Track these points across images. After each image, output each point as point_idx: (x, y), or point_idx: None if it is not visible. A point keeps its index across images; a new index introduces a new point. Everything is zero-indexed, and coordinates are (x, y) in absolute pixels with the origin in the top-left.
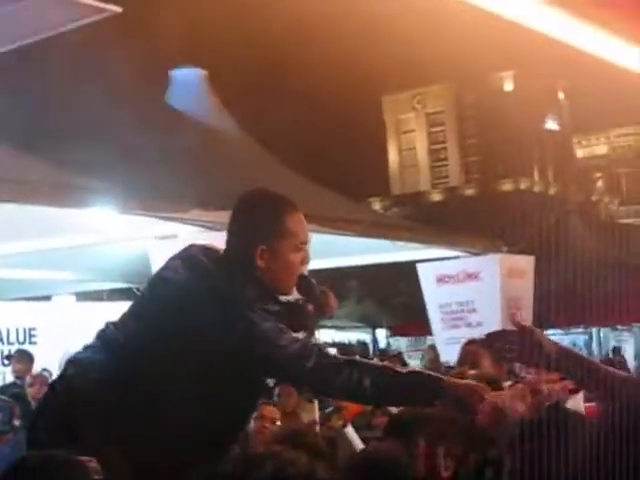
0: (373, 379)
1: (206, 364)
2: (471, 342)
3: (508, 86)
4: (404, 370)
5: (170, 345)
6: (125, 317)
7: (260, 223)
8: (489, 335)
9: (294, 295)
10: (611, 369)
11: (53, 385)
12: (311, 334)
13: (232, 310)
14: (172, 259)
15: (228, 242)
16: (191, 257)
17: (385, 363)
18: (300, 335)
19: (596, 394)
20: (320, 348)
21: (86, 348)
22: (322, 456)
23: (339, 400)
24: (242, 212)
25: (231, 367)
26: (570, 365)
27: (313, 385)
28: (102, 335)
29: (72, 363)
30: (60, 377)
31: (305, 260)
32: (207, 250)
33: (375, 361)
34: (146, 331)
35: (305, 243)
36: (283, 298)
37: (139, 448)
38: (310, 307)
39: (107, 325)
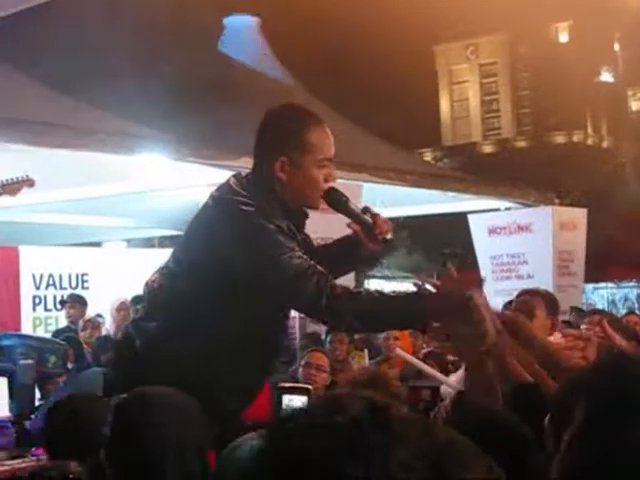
0: (358, 306)
1: (225, 275)
2: (525, 292)
3: (563, 37)
4: (389, 294)
5: (197, 262)
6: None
7: (281, 134)
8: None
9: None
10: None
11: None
12: (370, 261)
13: (246, 220)
14: None
15: (254, 156)
16: (222, 183)
17: (372, 289)
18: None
19: None
20: (320, 272)
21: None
22: (401, 401)
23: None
24: (265, 125)
25: (244, 277)
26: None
27: (302, 306)
28: (156, 271)
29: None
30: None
31: (329, 177)
32: (238, 174)
33: (366, 287)
34: (179, 256)
35: (330, 159)
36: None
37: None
38: (356, 228)
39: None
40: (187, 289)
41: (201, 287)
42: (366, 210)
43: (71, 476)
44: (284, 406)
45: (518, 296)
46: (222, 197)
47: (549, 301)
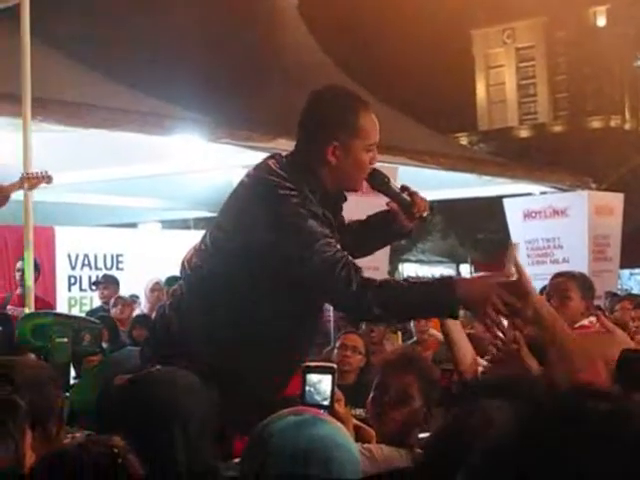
0: (385, 295)
1: (260, 258)
2: (559, 275)
3: (601, 21)
4: (418, 283)
5: (232, 243)
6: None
7: (334, 118)
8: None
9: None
10: None
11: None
12: (405, 235)
13: (282, 205)
14: None
15: (299, 137)
16: (260, 161)
17: (401, 278)
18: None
19: None
20: (350, 263)
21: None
22: (433, 382)
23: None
24: (316, 108)
25: (277, 261)
26: None
27: (330, 295)
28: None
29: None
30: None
31: (373, 160)
32: (277, 154)
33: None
34: (215, 235)
35: (375, 144)
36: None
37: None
38: (395, 207)
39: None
40: (223, 270)
41: (237, 269)
42: (404, 189)
43: (115, 450)
44: (308, 384)
45: (552, 279)
46: (260, 177)
47: (584, 284)
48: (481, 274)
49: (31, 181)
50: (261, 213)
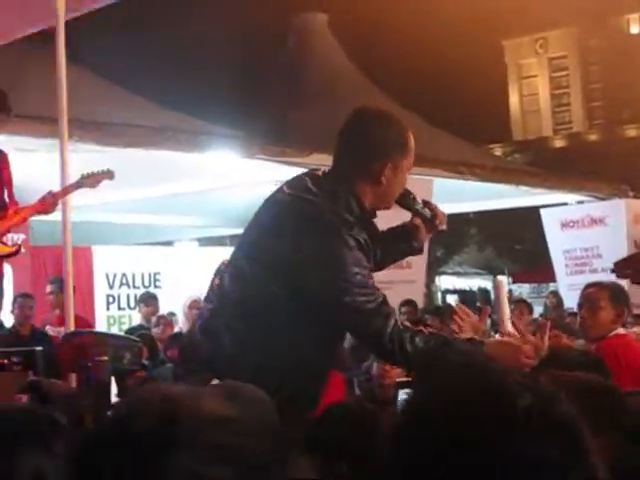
0: (425, 347)
1: (294, 280)
2: (591, 285)
3: (634, 29)
4: (455, 344)
5: (274, 264)
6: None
7: (392, 140)
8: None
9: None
10: None
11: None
12: (420, 251)
13: (326, 228)
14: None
15: (342, 156)
16: (294, 178)
17: (439, 332)
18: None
19: None
20: (390, 307)
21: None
22: None
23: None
24: (371, 127)
25: (314, 286)
26: None
27: (366, 336)
28: (217, 271)
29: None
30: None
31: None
32: (313, 172)
33: (428, 330)
34: (252, 254)
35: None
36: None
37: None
38: (419, 223)
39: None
40: (262, 290)
41: (274, 294)
42: (425, 203)
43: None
44: (400, 400)
45: (584, 290)
46: (302, 197)
47: (615, 292)
48: (506, 340)
49: (91, 179)
50: (304, 241)
